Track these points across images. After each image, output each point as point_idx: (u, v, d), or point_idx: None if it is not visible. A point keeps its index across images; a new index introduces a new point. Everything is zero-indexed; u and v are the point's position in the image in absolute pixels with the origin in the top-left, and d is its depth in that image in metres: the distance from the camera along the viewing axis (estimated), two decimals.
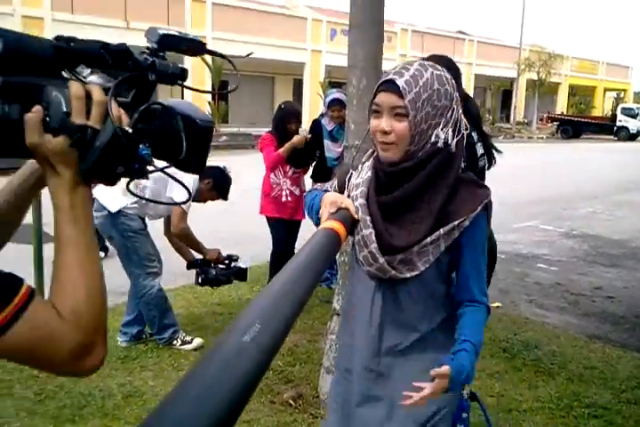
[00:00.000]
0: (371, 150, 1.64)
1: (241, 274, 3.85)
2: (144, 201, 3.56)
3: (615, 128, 34.24)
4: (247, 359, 0.64)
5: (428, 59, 2.28)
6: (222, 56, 1.01)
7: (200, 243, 3.84)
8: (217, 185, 3.81)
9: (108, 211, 3.55)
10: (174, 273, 3.95)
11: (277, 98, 30.35)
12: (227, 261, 3.87)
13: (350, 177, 1.65)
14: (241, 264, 3.89)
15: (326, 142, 4.82)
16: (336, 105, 4.59)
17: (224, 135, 22.27)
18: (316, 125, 4.90)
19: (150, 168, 0.85)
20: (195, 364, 0.63)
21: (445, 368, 1.37)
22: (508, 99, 40.58)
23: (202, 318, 4.33)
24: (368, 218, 1.51)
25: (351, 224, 1.50)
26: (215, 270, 3.80)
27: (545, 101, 40.69)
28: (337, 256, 3.08)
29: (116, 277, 3.56)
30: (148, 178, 0.86)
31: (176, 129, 0.86)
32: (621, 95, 49.57)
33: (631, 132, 33.73)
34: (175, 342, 3.77)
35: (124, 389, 3.19)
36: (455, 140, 1.48)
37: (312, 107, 28.53)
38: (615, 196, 12.09)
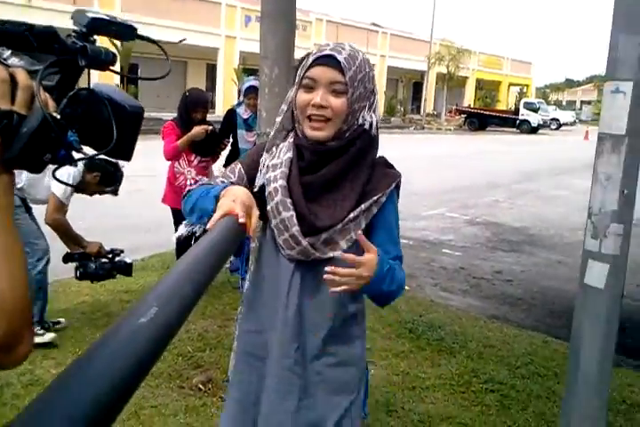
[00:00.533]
0: (285, 132, 1.59)
1: (125, 269, 3.65)
2: (22, 183, 3.42)
3: (518, 121, 35.99)
4: (143, 340, 0.62)
5: None
6: (154, 42, 0.98)
7: (78, 236, 3.66)
8: (105, 179, 3.64)
9: None
10: None
11: (190, 83, 29.64)
12: (110, 256, 3.67)
13: (263, 159, 1.59)
14: (126, 259, 3.71)
15: (240, 132, 4.74)
16: (252, 93, 4.47)
17: None
18: (231, 115, 4.80)
19: (78, 155, 0.82)
20: (89, 346, 0.62)
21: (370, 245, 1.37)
22: (419, 91, 41.73)
23: (108, 306, 4.21)
24: (288, 200, 1.47)
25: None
26: (95, 264, 3.58)
27: (453, 94, 42.13)
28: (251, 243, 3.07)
29: None
30: (76, 165, 0.84)
31: (103, 115, 0.84)
32: (524, 90, 52.12)
33: (532, 125, 35.60)
34: None
35: (24, 378, 3.05)
36: (375, 124, 1.51)
37: (226, 93, 28.16)
38: (517, 185, 12.75)
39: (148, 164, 5.93)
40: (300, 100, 1.46)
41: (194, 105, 4.36)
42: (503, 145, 24.56)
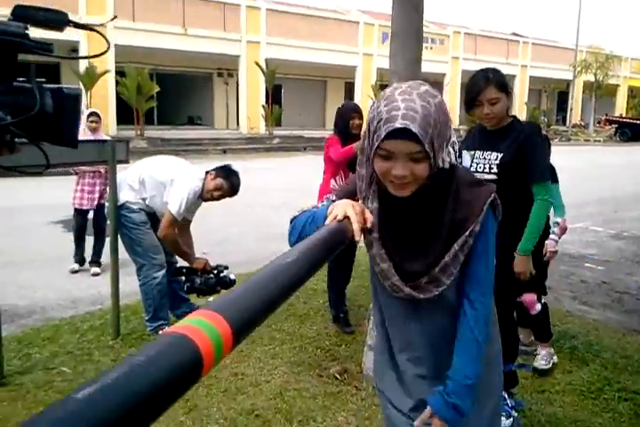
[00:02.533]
0: (368, 181, 1.55)
1: (229, 284, 3.81)
2: (148, 200, 3.79)
3: None
4: (288, 270, 0.98)
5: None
6: (90, 29, 1.02)
7: (187, 252, 3.89)
8: (221, 175, 3.83)
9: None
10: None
11: (329, 101, 30.70)
12: (215, 271, 3.87)
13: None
14: (231, 275, 3.88)
15: None
16: None
17: (277, 138, 22.75)
18: None
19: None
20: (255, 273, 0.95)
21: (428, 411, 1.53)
22: (564, 101, 39.77)
23: None
24: (383, 251, 1.52)
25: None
26: (200, 279, 3.78)
27: (603, 103, 39.72)
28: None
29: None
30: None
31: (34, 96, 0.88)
32: None
33: None
34: (161, 331, 3.87)
35: None
36: (453, 157, 1.47)
37: (364, 109, 28.71)
38: None
39: (292, 179, 6.35)
40: (380, 168, 1.41)
41: (349, 111, 4.53)
42: None
